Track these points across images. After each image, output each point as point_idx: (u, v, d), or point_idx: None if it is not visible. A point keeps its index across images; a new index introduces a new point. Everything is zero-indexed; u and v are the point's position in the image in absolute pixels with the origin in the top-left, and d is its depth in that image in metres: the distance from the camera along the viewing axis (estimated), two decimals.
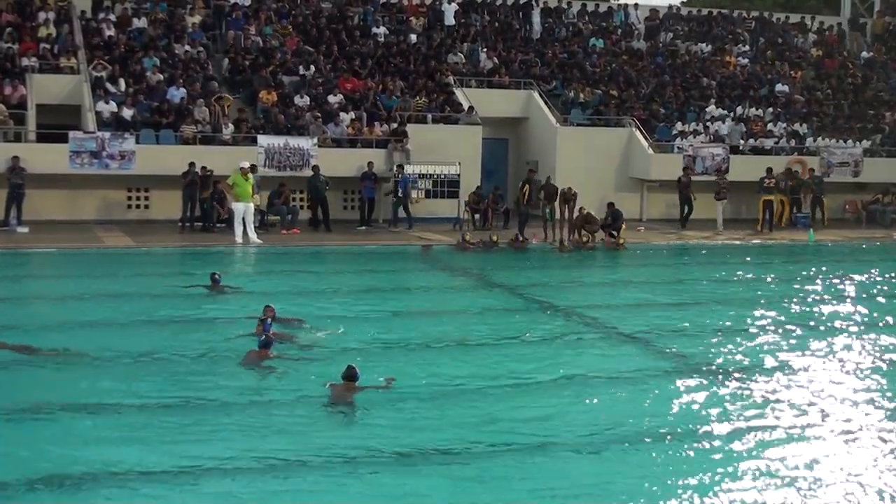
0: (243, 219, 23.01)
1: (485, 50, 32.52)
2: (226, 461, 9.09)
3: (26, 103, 25.59)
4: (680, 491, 8.77)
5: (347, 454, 9.35)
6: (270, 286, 18.19)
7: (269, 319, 13.38)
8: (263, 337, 12.54)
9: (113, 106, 25.79)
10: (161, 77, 27.26)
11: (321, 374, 11.71)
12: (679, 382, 12.32)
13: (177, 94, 26.71)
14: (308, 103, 27.83)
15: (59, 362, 12.27)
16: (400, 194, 26.32)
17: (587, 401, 11.58)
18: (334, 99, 28.30)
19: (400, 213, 26.53)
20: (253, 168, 24.23)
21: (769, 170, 28.86)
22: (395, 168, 26.40)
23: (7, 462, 8.93)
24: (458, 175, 27.26)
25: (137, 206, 26.12)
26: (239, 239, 22.88)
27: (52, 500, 8.28)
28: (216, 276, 16.97)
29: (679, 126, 31.43)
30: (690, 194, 28.67)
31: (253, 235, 23.05)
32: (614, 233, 24.98)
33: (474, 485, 8.89)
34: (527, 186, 25.89)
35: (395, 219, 26.56)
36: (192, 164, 24.23)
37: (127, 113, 25.71)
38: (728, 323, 16.11)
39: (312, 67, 29.31)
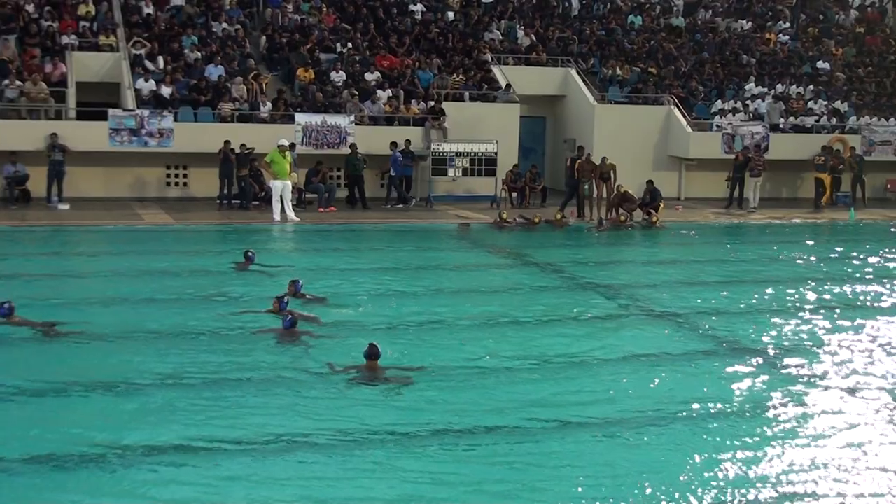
0: (281, 196, 23.09)
1: (522, 27, 32.33)
2: (248, 440, 9.10)
3: (66, 81, 25.75)
4: (721, 471, 8.74)
5: (378, 434, 9.33)
6: (306, 263, 18.21)
7: (287, 297, 13.37)
8: (289, 318, 12.54)
9: (152, 84, 25.90)
10: (199, 55, 27.34)
11: (346, 351, 11.66)
12: (723, 363, 12.27)
13: (215, 71, 26.79)
14: (345, 80, 27.80)
15: (77, 340, 12.30)
16: (392, 172, 26.16)
17: (631, 381, 11.49)
18: (371, 76, 28.26)
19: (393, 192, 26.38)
20: (292, 146, 24.32)
21: (823, 147, 28.59)
22: (389, 145, 26.16)
23: (30, 440, 8.97)
24: (496, 153, 27.14)
25: (176, 184, 26.27)
26: (277, 216, 22.96)
27: (77, 479, 8.27)
28: (249, 254, 17.05)
29: (718, 104, 31.11)
30: (745, 174, 28.22)
31: (290, 213, 23.13)
32: (652, 211, 24.80)
33: (520, 465, 8.84)
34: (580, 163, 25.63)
35: (388, 197, 26.46)
36: (226, 142, 24.31)
37: (165, 91, 25.83)
38: (771, 303, 15.97)
39: (349, 45, 29.27)
